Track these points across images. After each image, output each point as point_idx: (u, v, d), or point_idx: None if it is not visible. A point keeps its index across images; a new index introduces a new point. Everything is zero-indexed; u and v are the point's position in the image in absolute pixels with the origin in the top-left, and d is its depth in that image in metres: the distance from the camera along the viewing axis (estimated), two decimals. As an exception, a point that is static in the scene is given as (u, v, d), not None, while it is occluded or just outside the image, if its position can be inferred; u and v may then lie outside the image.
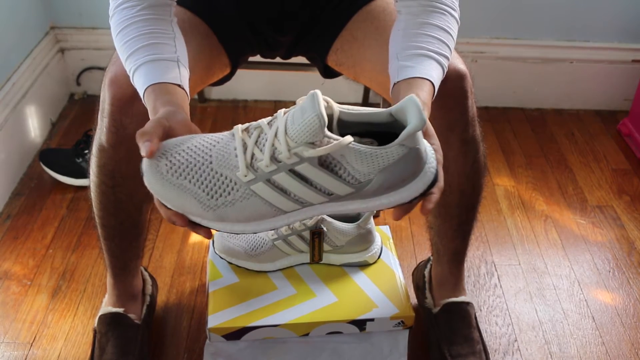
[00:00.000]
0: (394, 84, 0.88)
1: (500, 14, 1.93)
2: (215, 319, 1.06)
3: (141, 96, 0.86)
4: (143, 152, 0.72)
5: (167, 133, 0.76)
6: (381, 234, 1.24)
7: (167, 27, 0.91)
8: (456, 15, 0.96)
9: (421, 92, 0.84)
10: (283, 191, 0.71)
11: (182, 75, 0.87)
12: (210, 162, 0.72)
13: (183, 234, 1.52)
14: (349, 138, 0.68)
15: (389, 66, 0.92)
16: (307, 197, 0.71)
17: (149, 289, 1.24)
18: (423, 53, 0.89)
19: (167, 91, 0.83)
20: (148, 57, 0.86)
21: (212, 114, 1.91)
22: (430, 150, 0.74)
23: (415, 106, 0.68)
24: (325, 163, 0.70)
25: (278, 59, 1.29)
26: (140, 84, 0.85)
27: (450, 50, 0.93)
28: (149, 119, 0.97)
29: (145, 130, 0.74)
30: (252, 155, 0.71)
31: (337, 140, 0.68)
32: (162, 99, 0.82)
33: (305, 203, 0.72)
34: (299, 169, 0.70)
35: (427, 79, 0.86)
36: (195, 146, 0.73)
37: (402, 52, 0.90)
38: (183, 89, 0.86)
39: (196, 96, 1.94)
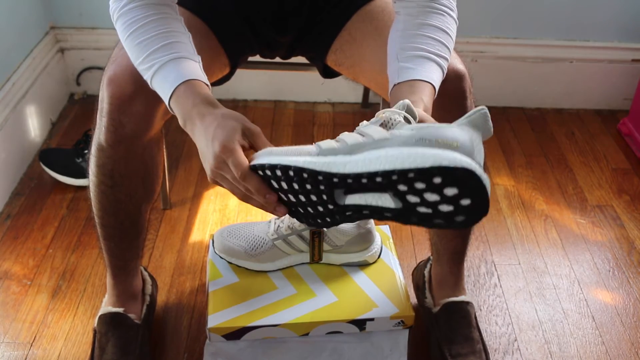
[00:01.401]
0: (395, 84, 0.88)
1: (500, 14, 1.93)
2: (215, 319, 1.06)
3: (168, 91, 0.86)
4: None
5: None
6: (381, 233, 1.24)
7: (180, 26, 0.92)
8: (454, 15, 0.96)
9: (423, 95, 0.84)
10: (337, 140, 0.78)
11: (204, 75, 0.89)
12: None
13: (183, 233, 1.52)
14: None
15: (388, 66, 0.92)
16: (347, 139, 0.76)
17: (148, 288, 1.24)
18: (423, 55, 0.89)
19: (203, 87, 0.86)
20: (174, 55, 0.87)
21: (212, 114, 1.91)
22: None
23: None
24: (385, 126, 0.76)
25: (278, 59, 1.29)
26: (170, 79, 0.85)
27: (450, 51, 0.93)
28: (147, 118, 0.99)
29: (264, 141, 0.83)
30: None
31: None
32: (203, 94, 0.84)
33: (342, 143, 0.76)
34: (363, 129, 0.77)
35: (429, 82, 0.86)
36: None
37: (402, 53, 0.90)
38: (209, 88, 0.88)
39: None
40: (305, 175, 0.76)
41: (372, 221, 1.16)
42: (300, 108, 2.02)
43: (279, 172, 0.78)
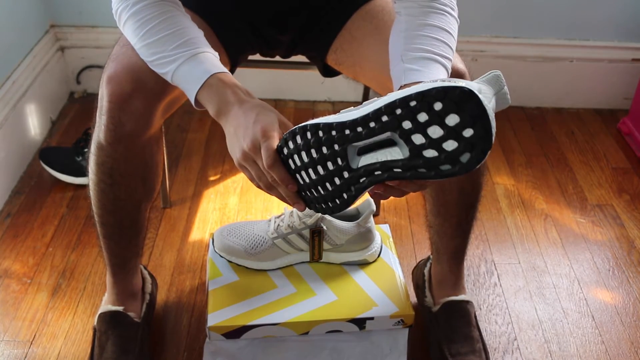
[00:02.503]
0: (401, 86, 0.88)
1: (500, 13, 1.93)
2: (215, 318, 1.06)
3: (198, 83, 0.87)
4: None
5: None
6: (381, 232, 1.24)
7: (192, 23, 0.93)
8: (455, 14, 0.96)
9: None
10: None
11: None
12: None
13: (183, 232, 1.52)
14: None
15: (391, 67, 0.92)
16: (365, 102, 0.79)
17: (148, 287, 1.24)
18: (428, 56, 0.89)
19: (234, 79, 0.89)
20: (198, 49, 0.89)
21: (212, 113, 1.91)
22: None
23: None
24: None
25: (278, 58, 1.29)
26: (199, 71, 0.87)
27: (452, 51, 0.93)
28: (147, 116, 0.99)
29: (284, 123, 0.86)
30: None
31: None
32: (239, 85, 0.88)
33: (360, 105, 0.80)
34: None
35: None
36: None
37: (406, 54, 0.90)
38: None
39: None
40: (320, 133, 0.79)
41: (372, 220, 1.16)
42: (300, 107, 2.02)
43: (299, 139, 0.81)
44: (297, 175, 0.84)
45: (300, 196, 0.86)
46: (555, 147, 1.89)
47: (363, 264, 1.18)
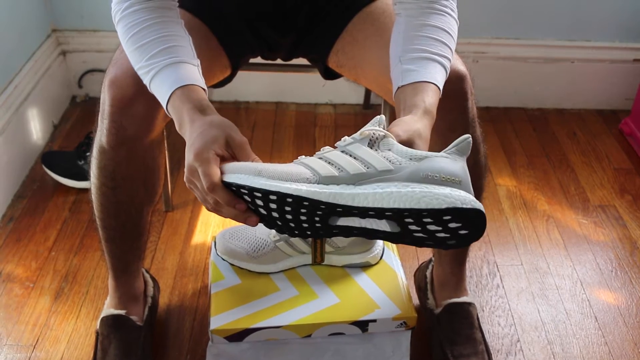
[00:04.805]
0: (398, 87, 0.88)
1: (501, 14, 1.93)
2: (218, 321, 1.06)
3: (166, 96, 0.85)
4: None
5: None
6: (383, 234, 1.24)
7: (180, 29, 0.92)
8: (455, 16, 0.96)
9: (426, 96, 0.85)
10: (329, 163, 0.77)
11: (202, 79, 0.88)
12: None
13: (185, 235, 1.52)
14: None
15: (391, 69, 0.92)
16: (347, 167, 0.76)
17: (150, 290, 1.24)
18: (426, 56, 0.89)
19: (201, 92, 0.86)
20: (172, 59, 0.86)
21: (214, 116, 1.91)
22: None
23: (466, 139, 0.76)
24: (371, 145, 0.77)
25: (279, 61, 1.29)
26: (167, 84, 0.85)
27: (452, 51, 0.93)
28: (148, 120, 0.99)
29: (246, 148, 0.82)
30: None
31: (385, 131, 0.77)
32: (197, 99, 0.84)
33: (342, 171, 0.76)
34: (349, 147, 0.77)
35: (432, 83, 0.86)
36: None
37: (404, 55, 0.90)
38: (206, 92, 0.88)
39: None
40: (306, 203, 0.75)
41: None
42: (301, 109, 2.02)
43: (258, 195, 0.75)
44: (256, 207, 0.79)
45: (257, 220, 0.81)
46: (557, 148, 1.89)
47: (365, 266, 1.18)
